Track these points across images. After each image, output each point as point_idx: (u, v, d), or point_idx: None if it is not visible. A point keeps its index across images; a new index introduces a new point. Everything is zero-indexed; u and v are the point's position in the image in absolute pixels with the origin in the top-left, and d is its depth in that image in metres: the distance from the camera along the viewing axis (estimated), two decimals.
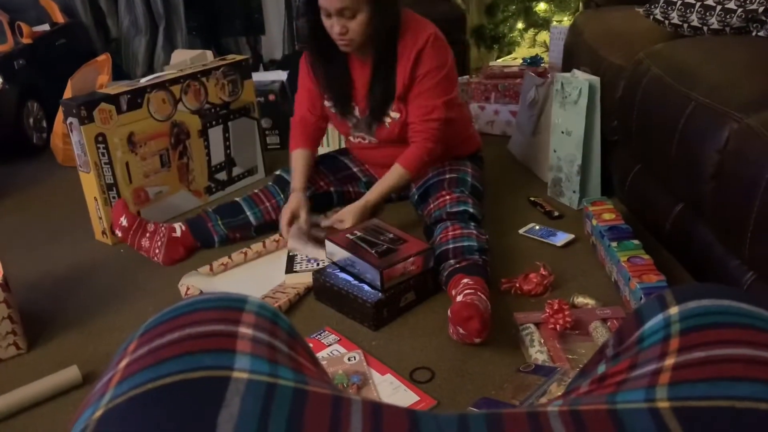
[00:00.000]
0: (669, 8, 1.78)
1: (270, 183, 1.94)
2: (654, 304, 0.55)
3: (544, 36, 2.94)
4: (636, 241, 1.58)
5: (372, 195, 1.76)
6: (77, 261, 1.86)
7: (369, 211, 1.75)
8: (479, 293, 1.41)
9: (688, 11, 1.73)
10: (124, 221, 1.76)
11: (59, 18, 3.08)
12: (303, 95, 1.89)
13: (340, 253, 1.57)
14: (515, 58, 2.97)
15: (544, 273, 1.59)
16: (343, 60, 1.77)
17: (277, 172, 1.97)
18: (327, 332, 1.45)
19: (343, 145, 2.34)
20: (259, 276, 1.67)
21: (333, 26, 1.63)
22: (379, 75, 1.72)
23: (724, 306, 0.52)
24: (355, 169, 2.01)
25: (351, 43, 1.66)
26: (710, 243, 1.41)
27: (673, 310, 0.52)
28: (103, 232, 1.92)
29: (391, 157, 1.81)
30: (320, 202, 1.93)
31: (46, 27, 2.97)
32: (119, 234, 1.79)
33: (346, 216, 1.72)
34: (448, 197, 1.73)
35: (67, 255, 1.89)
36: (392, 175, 1.77)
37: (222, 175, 2.20)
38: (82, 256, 1.88)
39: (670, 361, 0.48)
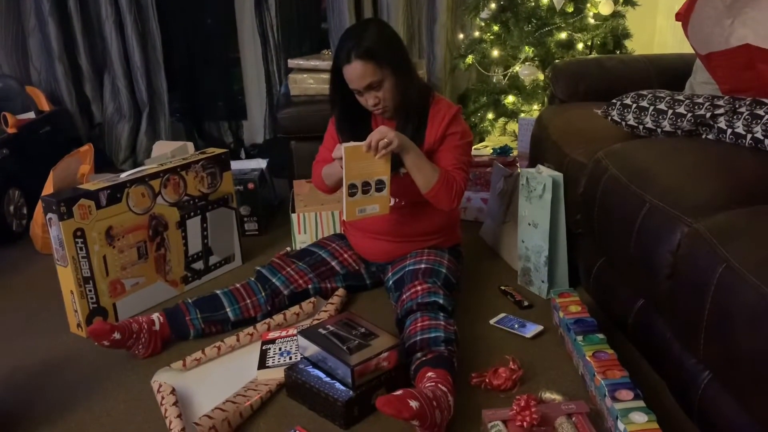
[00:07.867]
0: (625, 110, 1.90)
1: (252, 279, 1.97)
2: None
3: (513, 125, 3.07)
4: (601, 335, 1.63)
5: (411, 142, 1.78)
6: (51, 354, 1.85)
7: (403, 140, 1.74)
8: (440, 386, 1.44)
9: (642, 114, 1.85)
10: (117, 335, 1.74)
11: (45, 106, 3.15)
12: (327, 145, 2.02)
13: (312, 348, 1.60)
14: (486, 146, 3.09)
15: (513, 367, 1.63)
16: (368, 120, 1.93)
17: (258, 269, 2.01)
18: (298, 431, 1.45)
19: (319, 234, 2.40)
20: (231, 372, 1.68)
21: (367, 100, 1.82)
22: (403, 129, 1.84)
23: None
24: (333, 263, 2.05)
25: (386, 110, 1.85)
26: (669, 340, 1.46)
27: None
28: (78, 325, 1.92)
29: (389, 221, 1.89)
30: (297, 299, 1.97)
31: (31, 114, 3.03)
32: (107, 344, 1.74)
33: (385, 131, 1.71)
34: (419, 287, 1.78)
35: (40, 348, 1.89)
36: (429, 162, 1.81)
37: (199, 265, 2.23)
38: (56, 349, 1.88)
39: None
